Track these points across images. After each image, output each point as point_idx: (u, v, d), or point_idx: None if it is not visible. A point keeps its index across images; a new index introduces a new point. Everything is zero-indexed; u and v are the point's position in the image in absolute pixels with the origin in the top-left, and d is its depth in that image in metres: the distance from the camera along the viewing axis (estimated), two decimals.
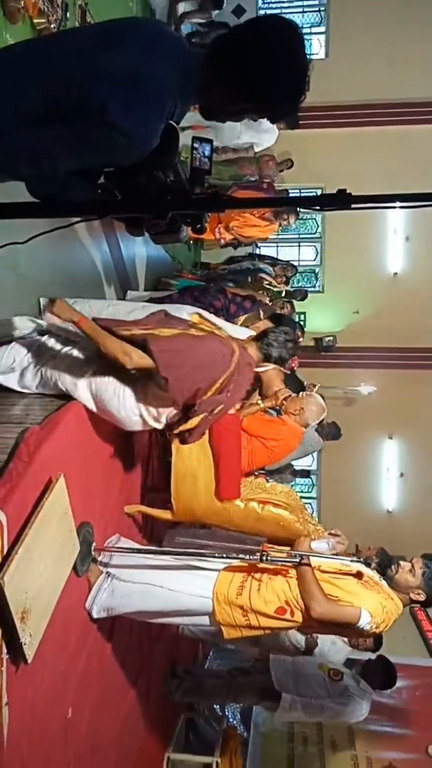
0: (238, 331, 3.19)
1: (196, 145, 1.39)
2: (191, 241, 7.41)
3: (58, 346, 2.41)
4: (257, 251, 8.79)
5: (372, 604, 2.31)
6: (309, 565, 2.38)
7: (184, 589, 2.46)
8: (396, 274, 8.81)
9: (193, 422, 2.41)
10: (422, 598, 2.49)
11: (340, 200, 1.16)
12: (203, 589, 2.45)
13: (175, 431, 2.46)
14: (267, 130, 6.61)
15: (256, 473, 3.61)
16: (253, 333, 3.15)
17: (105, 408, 2.32)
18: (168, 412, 2.36)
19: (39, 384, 2.36)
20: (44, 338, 2.46)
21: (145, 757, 3.36)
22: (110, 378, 2.29)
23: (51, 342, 2.43)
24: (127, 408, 2.31)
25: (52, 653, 2.13)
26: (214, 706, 4.51)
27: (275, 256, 9.07)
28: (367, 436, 8.42)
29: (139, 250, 5.61)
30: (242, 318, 3.62)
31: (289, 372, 3.74)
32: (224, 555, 2.45)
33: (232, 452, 2.98)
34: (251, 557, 2.42)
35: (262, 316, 3.60)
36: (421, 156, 8.23)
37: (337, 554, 2.87)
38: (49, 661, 2.11)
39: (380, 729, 4.48)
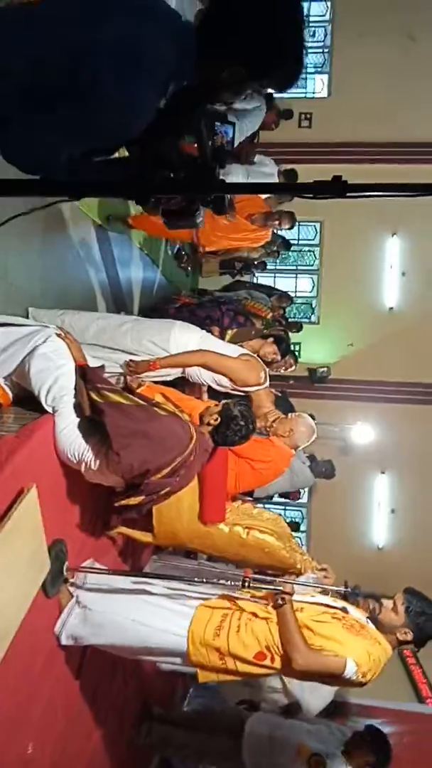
0: (231, 349, 3.12)
1: (218, 126, 1.32)
2: (189, 268, 7.42)
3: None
4: (254, 279, 8.83)
5: (358, 652, 2.15)
6: (290, 595, 2.24)
7: (158, 624, 2.30)
8: (392, 309, 8.83)
9: (135, 500, 2.31)
10: (409, 637, 2.32)
11: (335, 188, 1.10)
12: (178, 626, 2.29)
13: (116, 503, 2.36)
14: (269, 174, 6.56)
15: (244, 498, 3.49)
16: (243, 350, 3.08)
17: (55, 432, 2.24)
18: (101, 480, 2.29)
19: (11, 373, 2.28)
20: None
21: None
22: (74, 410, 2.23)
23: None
24: (72, 448, 2.23)
25: (12, 679, 1.97)
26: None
27: (272, 286, 9.14)
28: (358, 471, 8.29)
29: (136, 272, 5.58)
30: (232, 332, 3.55)
31: (279, 394, 3.66)
32: (204, 580, 2.32)
33: (218, 474, 2.87)
34: (232, 583, 2.28)
35: (253, 334, 3.54)
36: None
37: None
38: (9, 687, 1.95)
39: None
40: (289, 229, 5.03)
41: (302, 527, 8.61)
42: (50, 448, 2.23)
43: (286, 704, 3.48)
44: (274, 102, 7.21)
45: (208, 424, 2.48)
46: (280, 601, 2.22)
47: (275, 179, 6.57)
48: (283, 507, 8.61)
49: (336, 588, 2.44)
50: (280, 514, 7.61)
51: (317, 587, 2.57)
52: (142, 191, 1.20)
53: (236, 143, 2.53)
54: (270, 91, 1.27)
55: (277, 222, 4.94)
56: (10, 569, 1.80)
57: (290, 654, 2.15)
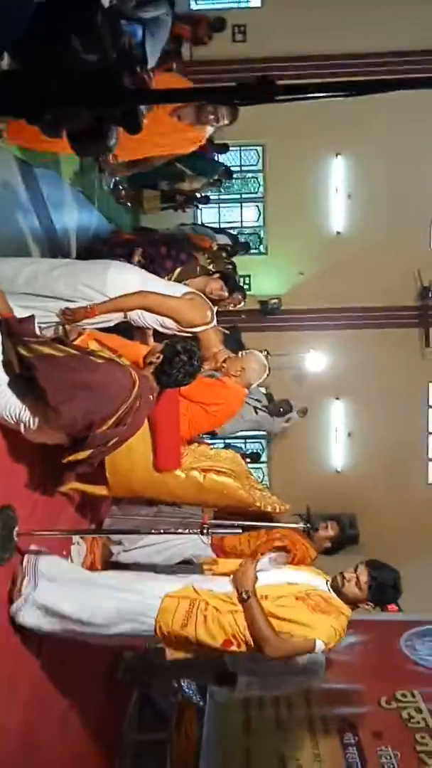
0: (174, 288, 2.96)
1: (123, 24, 1.10)
2: (129, 203, 7.01)
3: None
4: (198, 214, 8.50)
5: (325, 630, 2.21)
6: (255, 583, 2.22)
7: (123, 615, 2.24)
8: (339, 233, 8.70)
9: (83, 454, 2.19)
10: (371, 609, 2.40)
11: (262, 91, 0.94)
12: (144, 617, 2.24)
13: (63, 460, 2.23)
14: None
15: (200, 440, 3.43)
16: (187, 289, 2.93)
17: None
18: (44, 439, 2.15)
19: None
20: None
21: (97, 743, 3.20)
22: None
23: None
24: (7, 409, 2.08)
25: None
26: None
27: (218, 221, 8.84)
28: (314, 398, 8.40)
29: (69, 212, 5.21)
30: (177, 271, 3.37)
31: (228, 332, 3.55)
32: (162, 531, 2.27)
33: (170, 420, 2.78)
34: (191, 531, 2.24)
35: (198, 271, 3.37)
36: (362, 108, 8.04)
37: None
38: None
39: (334, 687, 4.50)
40: (230, 123, 3.53)
41: (263, 458, 8.77)
42: None
43: None
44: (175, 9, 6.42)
45: (151, 363, 2.36)
46: (244, 596, 2.20)
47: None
48: (243, 440, 8.72)
49: (294, 526, 2.43)
50: (240, 448, 7.71)
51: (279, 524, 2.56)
52: (32, 105, 1.00)
53: (152, 59, 2.20)
54: None
55: (212, 116, 3.40)
56: None
57: (260, 646, 2.17)
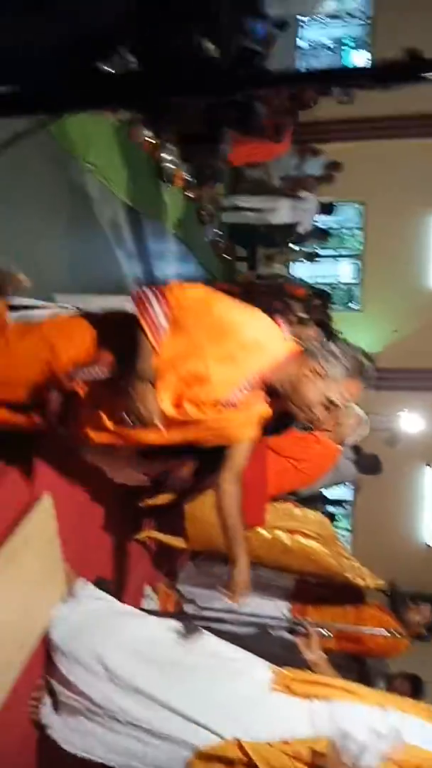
0: None
1: (249, 22, 1.02)
2: (229, 257, 7.10)
3: None
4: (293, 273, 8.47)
5: None
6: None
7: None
8: None
9: (162, 498, 2.01)
10: None
11: (409, 70, 0.79)
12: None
13: (140, 503, 2.06)
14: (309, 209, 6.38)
15: (285, 497, 3.21)
16: None
17: None
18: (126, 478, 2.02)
19: None
20: None
21: None
22: None
23: None
24: None
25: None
26: None
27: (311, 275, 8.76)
28: (404, 464, 7.88)
29: (170, 258, 5.32)
30: None
31: None
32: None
33: (257, 473, 2.58)
34: (279, 627, 1.92)
35: (292, 318, 3.23)
36: None
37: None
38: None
39: None
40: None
41: (346, 525, 8.27)
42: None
43: None
44: None
45: None
46: None
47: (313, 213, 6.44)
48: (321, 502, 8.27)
49: (388, 634, 2.06)
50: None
51: None
52: (144, 94, 0.90)
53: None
54: None
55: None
56: (14, 591, 1.56)
57: None
